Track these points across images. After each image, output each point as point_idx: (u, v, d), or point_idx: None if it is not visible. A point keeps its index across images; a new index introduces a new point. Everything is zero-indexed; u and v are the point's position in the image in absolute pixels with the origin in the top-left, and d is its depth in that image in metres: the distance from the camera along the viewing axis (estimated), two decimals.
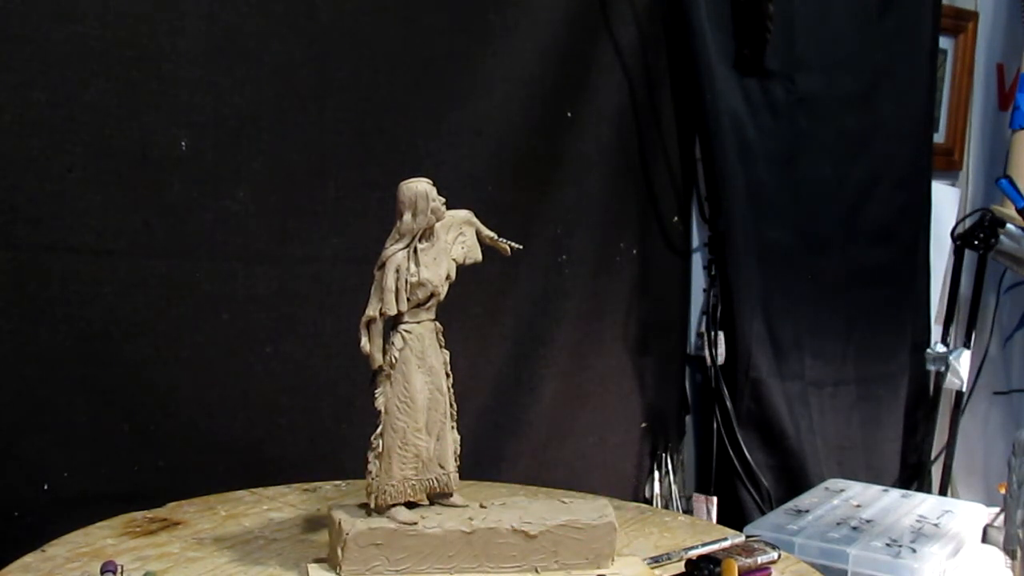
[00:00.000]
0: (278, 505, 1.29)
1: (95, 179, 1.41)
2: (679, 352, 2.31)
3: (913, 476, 2.68)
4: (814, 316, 2.45)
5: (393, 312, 1.03)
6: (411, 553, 1.04)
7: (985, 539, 2.02)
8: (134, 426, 1.47)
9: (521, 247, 1.11)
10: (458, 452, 1.09)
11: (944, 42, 2.83)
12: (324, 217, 1.63)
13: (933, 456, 2.66)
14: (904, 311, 2.69)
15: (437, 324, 1.08)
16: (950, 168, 2.97)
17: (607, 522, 1.09)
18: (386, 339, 1.05)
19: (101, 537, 1.14)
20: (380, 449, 1.05)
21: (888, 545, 1.76)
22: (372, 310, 1.03)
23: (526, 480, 1.67)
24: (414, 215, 1.03)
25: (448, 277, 1.07)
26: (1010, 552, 1.53)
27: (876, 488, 2.14)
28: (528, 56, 1.86)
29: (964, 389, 2.55)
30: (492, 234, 1.11)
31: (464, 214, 1.10)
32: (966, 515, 1.98)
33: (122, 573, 1.02)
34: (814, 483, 2.25)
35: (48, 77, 1.36)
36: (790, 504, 2.01)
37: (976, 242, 2.38)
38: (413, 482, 1.06)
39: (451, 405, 1.08)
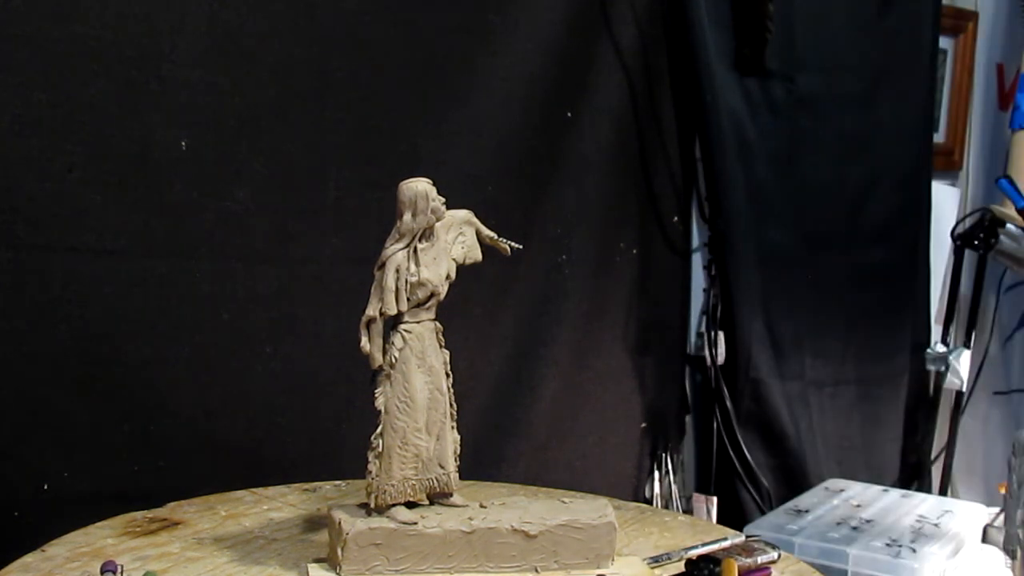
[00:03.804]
0: (278, 505, 1.29)
1: (95, 179, 1.41)
2: (679, 352, 2.31)
3: (913, 476, 2.69)
4: (814, 316, 2.45)
5: (393, 312, 1.03)
6: (411, 553, 1.04)
7: (985, 539, 2.02)
8: (134, 426, 1.47)
9: (521, 247, 1.11)
10: (458, 452, 1.09)
11: (944, 42, 2.83)
12: (324, 217, 1.63)
13: (933, 456, 2.66)
14: (904, 311, 2.69)
15: (437, 324, 1.08)
16: (950, 168, 2.97)
17: (607, 522, 1.09)
18: (386, 339, 1.05)
19: (101, 537, 1.14)
20: (380, 449, 1.05)
21: (888, 545, 1.76)
22: (372, 310, 1.03)
23: (526, 480, 1.67)
24: (414, 215, 1.03)
25: (448, 277, 1.07)
26: (1010, 552, 1.53)
27: (876, 488, 2.15)
28: (528, 56, 1.86)
29: (964, 389, 2.56)
30: (492, 234, 1.11)
31: (464, 214, 1.10)
32: (966, 515, 1.99)
33: (122, 573, 1.02)
34: (814, 483, 2.25)
35: (48, 77, 1.36)
36: (790, 504, 2.01)
37: (976, 242, 2.38)
38: (413, 482, 1.06)
39: (451, 405, 1.08)
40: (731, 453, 2.26)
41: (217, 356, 1.54)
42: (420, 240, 1.04)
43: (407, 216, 1.03)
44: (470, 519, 1.06)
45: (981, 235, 2.37)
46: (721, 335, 2.26)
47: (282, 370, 1.60)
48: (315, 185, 1.62)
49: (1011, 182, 2.29)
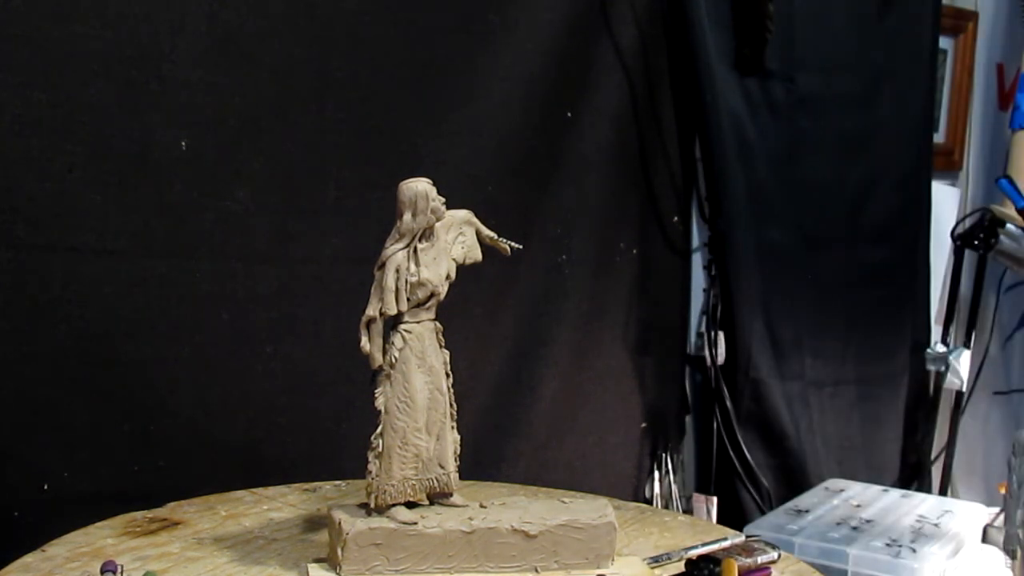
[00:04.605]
0: (278, 505, 1.29)
1: (95, 179, 1.41)
2: (679, 352, 2.31)
3: (913, 476, 2.69)
4: (814, 316, 2.45)
5: (393, 312, 1.03)
6: (411, 553, 1.04)
7: (985, 539, 2.02)
8: (134, 426, 1.47)
9: (521, 247, 1.11)
10: (458, 452, 1.09)
11: (944, 42, 2.83)
12: (324, 217, 1.63)
13: (933, 456, 2.66)
14: (904, 311, 2.69)
15: (437, 324, 1.08)
16: (950, 168, 2.97)
17: (607, 522, 1.09)
18: (386, 339, 1.05)
19: (101, 537, 1.14)
20: (380, 449, 1.05)
21: (888, 545, 1.76)
22: (372, 310, 1.03)
23: (526, 480, 1.67)
24: (414, 215, 1.03)
25: (448, 277, 1.07)
26: (1010, 552, 1.53)
27: (876, 488, 2.15)
28: (528, 56, 1.86)
29: (964, 389, 2.55)
30: (492, 234, 1.11)
31: (464, 214, 1.10)
32: (966, 515, 1.99)
33: (122, 573, 1.02)
34: (814, 483, 2.25)
35: (48, 77, 1.36)
36: (790, 504, 2.01)
37: (976, 242, 2.38)
38: (413, 482, 1.06)
39: (451, 405, 1.08)
40: (731, 453, 2.26)
41: (217, 356, 1.54)
42: (420, 240, 1.04)
43: (407, 216, 1.03)
44: (470, 519, 1.06)
45: (981, 235, 2.37)
46: (721, 335, 2.26)
47: (282, 370, 1.60)
48: (315, 185, 1.62)
49: (1011, 182, 2.29)
